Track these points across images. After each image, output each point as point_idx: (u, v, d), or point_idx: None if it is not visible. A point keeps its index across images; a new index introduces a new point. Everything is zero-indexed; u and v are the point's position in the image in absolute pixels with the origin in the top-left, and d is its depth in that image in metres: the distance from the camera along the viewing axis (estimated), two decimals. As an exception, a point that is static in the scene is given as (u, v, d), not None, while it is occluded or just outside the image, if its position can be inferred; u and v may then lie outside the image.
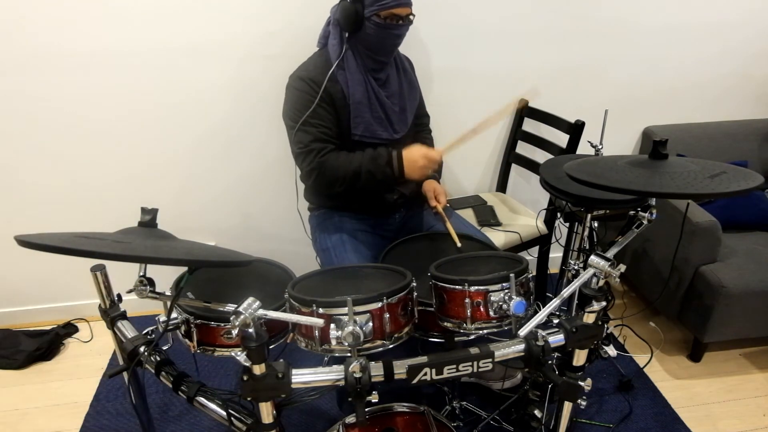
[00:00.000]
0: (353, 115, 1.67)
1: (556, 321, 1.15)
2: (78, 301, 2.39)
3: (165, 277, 1.31)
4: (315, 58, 1.71)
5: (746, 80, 2.43)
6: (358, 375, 1.02)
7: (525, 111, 2.28)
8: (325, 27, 1.72)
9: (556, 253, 2.43)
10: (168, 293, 1.23)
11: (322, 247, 1.78)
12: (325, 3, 1.70)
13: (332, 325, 1.09)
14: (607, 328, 2.25)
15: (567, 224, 1.78)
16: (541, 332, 1.11)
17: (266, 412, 1.06)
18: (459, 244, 1.62)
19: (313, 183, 1.66)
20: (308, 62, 1.71)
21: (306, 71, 1.66)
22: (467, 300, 1.16)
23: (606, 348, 2.11)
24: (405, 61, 1.86)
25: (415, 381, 1.06)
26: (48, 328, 2.31)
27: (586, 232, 1.69)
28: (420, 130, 1.96)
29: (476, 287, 1.15)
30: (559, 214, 1.80)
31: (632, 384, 2.01)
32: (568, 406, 1.25)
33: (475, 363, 1.07)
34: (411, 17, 1.63)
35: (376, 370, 1.05)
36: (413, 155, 1.61)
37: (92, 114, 2.02)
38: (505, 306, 1.14)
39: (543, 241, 2.16)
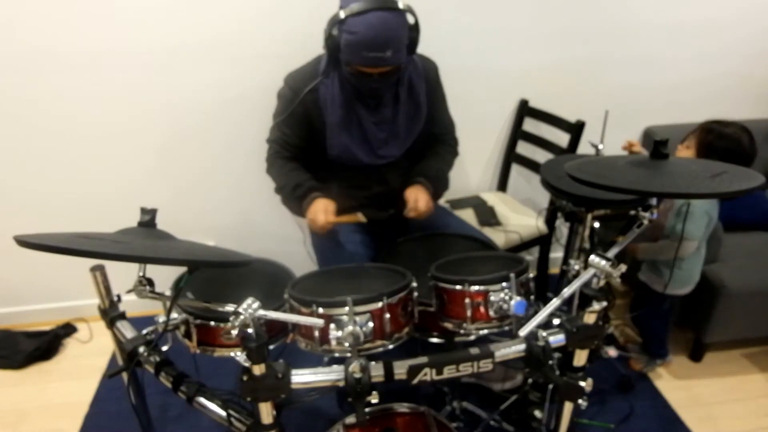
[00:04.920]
0: (328, 135, 1.65)
1: (556, 321, 1.15)
2: (77, 301, 2.39)
3: (165, 277, 1.30)
4: (312, 63, 1.68)
5: (746, 80, 2.43)
6: (358, 375, 1.02)
7: (526, 110, 2.28)
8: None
9: (556, 253, 2.43)
10: (168, 293, 1.23)
11: (316, 246, 1.79)
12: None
13: (332, 326, 1.09)
14: (608, 329, 2.24)
15: (567, 224, 1.78)
16: (541, 332, 1.11)
17: (266, 412, 1.06)
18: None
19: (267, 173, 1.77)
20: (304, 66, 1.69)
21: (294, 78, 1.66)
22: (467, 300, 1.16)
23: (606, 348, 2.11)
24: (416, 77, 1.69)
25: (415, 381, 1.05)
26: (47, 328, 2.30)
27: (587, 232, 1.69)
28: (436, 143, 1.84)
29: (476, 287, 1.15)
30: (559, 214, 1.80)
31: (633, 384, 2.01)
32: (568, 407, 1.24)
33: (476, 363, 1.07)
34: (392, 69, 1.51)
35: (376, 370, 1.04)
36: (313, 208, 1.58)
37: (91, 115, 2.01)
38: (505, 306, 1.14)
39: (543, 241, 2.16)
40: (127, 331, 1.27)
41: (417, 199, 1.64)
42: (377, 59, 1.44)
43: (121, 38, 1.90)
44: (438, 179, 1.76)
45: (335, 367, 1.05)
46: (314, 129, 1.66)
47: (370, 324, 1.10)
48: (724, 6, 2.24)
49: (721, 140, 1.65)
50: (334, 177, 1.76)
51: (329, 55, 1.54)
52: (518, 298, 1.12)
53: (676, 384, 2.05)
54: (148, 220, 1.17)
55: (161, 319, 1.20)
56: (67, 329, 2.32)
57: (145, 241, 1.08)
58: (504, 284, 1.15)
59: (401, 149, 1.74)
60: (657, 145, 1.14)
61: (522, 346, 1.11)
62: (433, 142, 1.84)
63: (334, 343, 1.10)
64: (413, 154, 1.80)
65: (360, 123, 1.64)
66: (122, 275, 1.33)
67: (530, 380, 1.83)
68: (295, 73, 1.69)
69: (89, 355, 2.21)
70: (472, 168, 2.44)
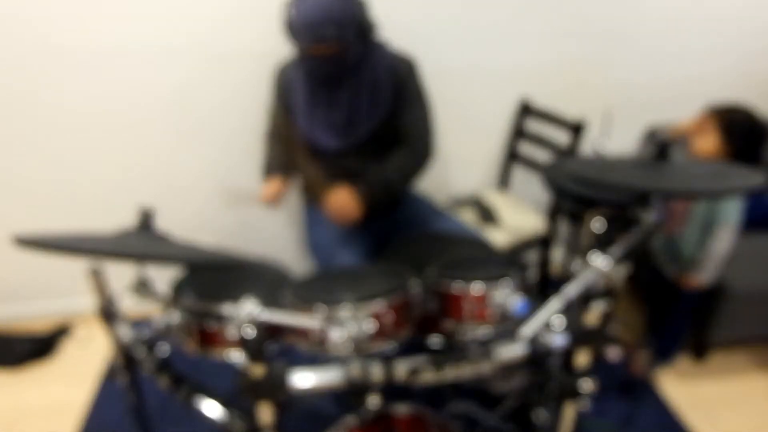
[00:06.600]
0: (297, 115, 1.71)
1: (556, 321, 1.15)
2: (76, 301, 2.39)
3: (165, 277, 1.30)
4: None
5: (748, 76, 2.43)
6: (358, 375, 1.02)
7: (526, 110, 2.27)
8: None
9: (556, 253, 2.43)
10: (168, 293, 1.22)
11: (312, 243, 1.80)
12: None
13: (332, 326, 1.09)
14: (609, 329, 2.24)
15: (568, 224, 1.78)
16: (541, 332, 1.10)
17: (266, 412, 1.06)
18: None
19: None
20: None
21: (283, 63, 1.75)
22: (467, 300, 1.15)
23: (608, 349, 2.11)
24: (383, 72, 1.66)
25: (415, 381, 1.05)
26: (45, 328, 2.30)
27: (587, 232, 1.68)
28: (399, 145, 1.77)
29: (476, 287, 1.15)
30: (560, 214, 1.79)
31: (635, 384, 2.00)
32: (569, 407, 1.24)
33: (476, 363, 1.06)
34: (337, 51, 1.50)
35: (376, 370, 1.04)
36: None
37: (91, 114, 2.01)
38: (505, 306, 1.13)
39: (543, 241, 2.15)
40: (126, 332, 1.27)
41: (336, 198, 1.62)
42: (317, 36, 1.45)
43: (122, 34, 1.90)
44: (377, 183, 1.69)
45: (335, 367, 1.04)
46: (289, 111, 1.73)
47: (370, 324, 1.10)
48: (726, 2, 2.24)
49: (742, 118, 1.75)
50: (306, 158, 1.78)
51: (289, 38, 1.57)
52: (518, 298, 1.12)
53: (679, 384, 2.04)
54: (148, 219, 1.17)
55: (161, 319, 1.19)
56: (65, 329, 2.32)
57: (144, 241, 1.08)
58: (504, 284, 1.15)
59: (359, 137, 1.71)
60: (657, 145, 1.14)
61: (522, 346, 1.11)
62: (399, 144, 1.78)
63: (334, 343, 1.09)
64: (383, 144, 1.75)
65: (322, 107, 1.67)
66: (122, 275, 1.33)
67: (530, 380, 1.83)
68: (285, 60, 1.77)
69: (87, 356, 2.21)
70: (473, 167, 2.43)
